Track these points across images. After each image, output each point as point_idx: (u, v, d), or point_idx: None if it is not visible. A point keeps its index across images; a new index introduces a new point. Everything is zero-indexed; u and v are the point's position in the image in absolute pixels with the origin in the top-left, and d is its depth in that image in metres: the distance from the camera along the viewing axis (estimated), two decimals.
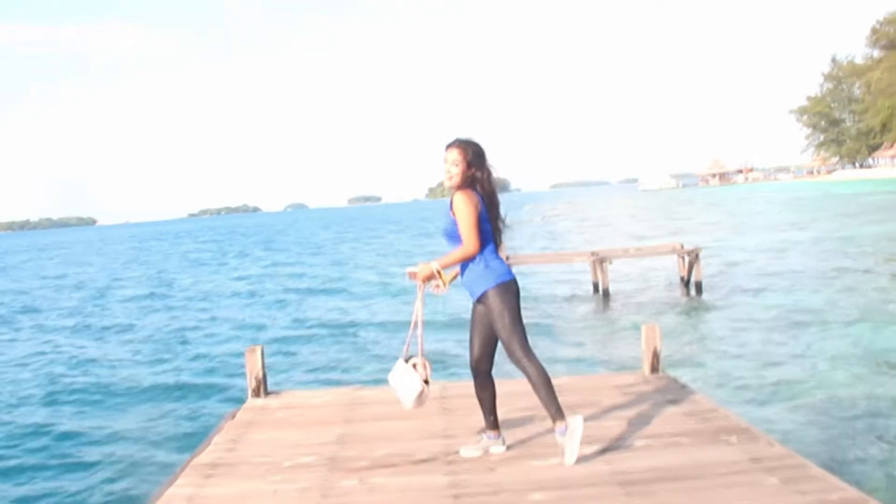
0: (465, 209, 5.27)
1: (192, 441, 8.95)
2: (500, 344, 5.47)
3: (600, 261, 22.09)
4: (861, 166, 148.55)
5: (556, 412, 5.29)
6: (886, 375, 11.98)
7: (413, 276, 5.39)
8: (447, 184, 5.43)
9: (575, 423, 5.26)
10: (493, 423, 5.68)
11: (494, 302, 5.32)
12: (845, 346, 14.14)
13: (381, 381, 12.33)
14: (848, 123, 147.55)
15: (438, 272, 5.34)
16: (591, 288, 23.20)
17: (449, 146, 5.43)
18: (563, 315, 19.72)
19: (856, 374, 12.19)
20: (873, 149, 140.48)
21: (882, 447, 8.89)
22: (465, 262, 5.38)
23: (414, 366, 5.56)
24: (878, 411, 10.26)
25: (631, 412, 6.56)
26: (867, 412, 10.22)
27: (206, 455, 5.93)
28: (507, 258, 19.44)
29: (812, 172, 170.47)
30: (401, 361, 5.62)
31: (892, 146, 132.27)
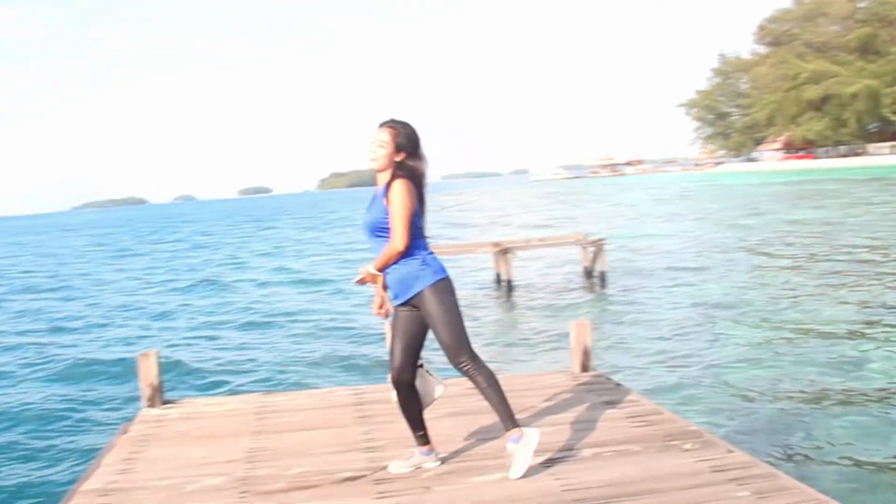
0: (401, 200, 4.78)
1: (79, 463, 8.04)
2: (441, 347, 4.94)
3: (503, 252, 21.73)
4: (746, 159, 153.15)
5: (510, 419, 4.89)
6: (799, 363, 11.89)
7: (363, 282, 5.02)
8: (371, 165, 4.94)
9: (531, 433, 4.86)
10: (423, 437, 5.16)
11: (433, 302, 4.85)
12: (754, 335, 14.10)
13: (291, 385, 11.69)
14: (734, 117, 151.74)
15: (375, 276, 4.92)
16: (494, 279, 22.83)
17: (381, 125, 4.93)
18: (465, 310, 19.27)
19: (768, 363, 12.08)
20: (758, 142, 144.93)
21: (813, 440, 8.68)
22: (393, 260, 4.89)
23: (427, 371, 5.19)
24: (795, 401, 10.10)
25: (569, 416, 6.11)
26: (786, 403, 10.06)
27: (97, 479, 5.17)
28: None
29: (699, 165, 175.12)
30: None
31: (775, 140, 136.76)
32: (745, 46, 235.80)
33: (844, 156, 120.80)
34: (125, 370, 13.08)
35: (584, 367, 7.45)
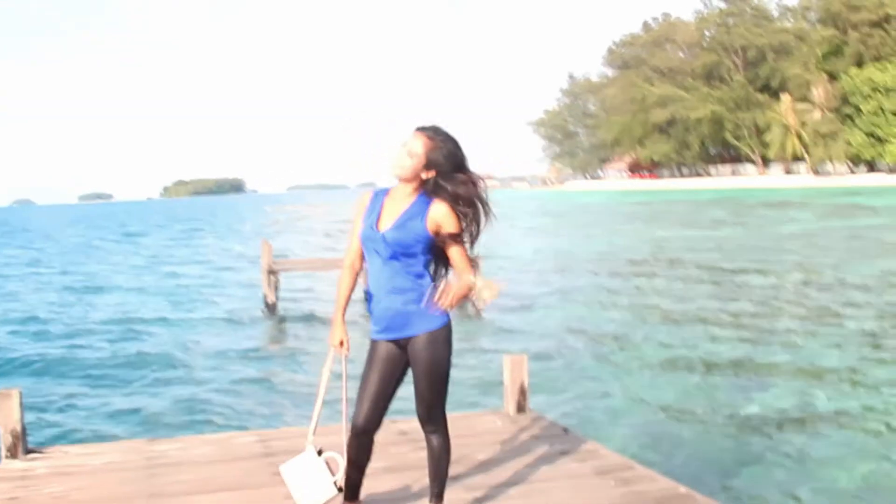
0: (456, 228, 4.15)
1: None
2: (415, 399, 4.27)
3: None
4: (592, 177, 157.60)
5: (441, 494, 4.40)
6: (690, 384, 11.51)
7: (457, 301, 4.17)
8: (392, 172, 4.16)
9: None
10: (356, 493, 4.40)
11: (431, 349, 4.16)
12: (630, 356, 13.79)
13: (181, 428, 10.24)
14: (582, 137, 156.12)
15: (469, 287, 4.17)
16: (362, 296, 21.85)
17: (417, 129, 4.15)
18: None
19: (660, 382, 11.72)
20: (603, 161, 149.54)
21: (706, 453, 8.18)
22: (400, 287, 4.13)
23: (327, 462, 4.25)
24: (691, 418, 9.66)
25: (516, 466, 5.35)
26: (676, 422, 9.63)
27: None
28: (273, 264, 17.35)
29: (546, 182, 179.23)
30: (310, 452, 4.26)
31: (621, 160, 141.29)
32: (595, 69, 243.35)
33: (687, 177, 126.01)
34: None
35: (521, 408, 6.65)
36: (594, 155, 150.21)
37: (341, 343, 4.24)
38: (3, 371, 14.56)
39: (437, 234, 4.08)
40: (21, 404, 5.73)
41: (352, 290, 4.26)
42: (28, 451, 5.76)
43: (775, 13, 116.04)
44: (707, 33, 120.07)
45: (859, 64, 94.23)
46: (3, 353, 16.17)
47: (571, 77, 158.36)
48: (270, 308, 20.03)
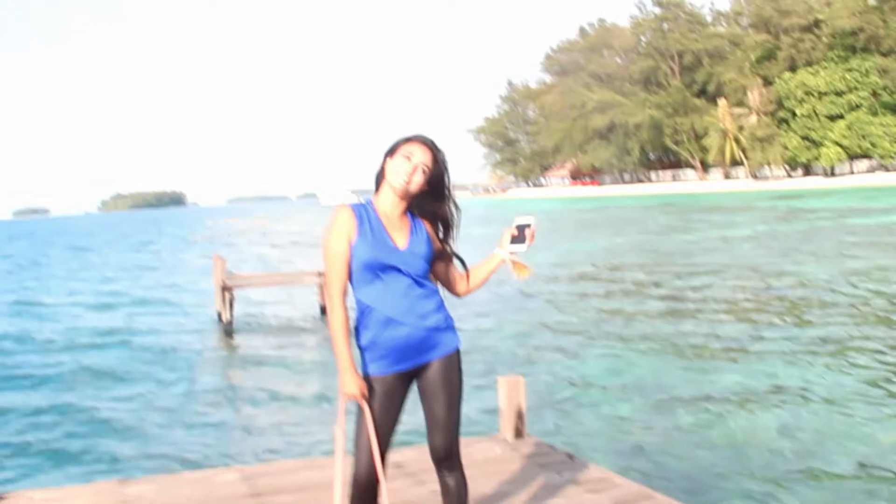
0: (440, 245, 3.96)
1: None
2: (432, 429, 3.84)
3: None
4: (534, 185, 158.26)
5: None
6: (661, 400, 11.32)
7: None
8: (400, 184, 3.75)
9: None
10: None
11: (455, 370, 3.84)
12: (611, 365, 13.50)
13: (150, 464, 9.69)
14: (523, 144, 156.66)
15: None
16: (318, 312, 21.47)
17: (422, 142, 3.81)
18: (292, 348, 17.81)
19: (641, 403, 11.44)
20: (545, 168, 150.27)
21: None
22: (429, 308, 3.79)
23: None
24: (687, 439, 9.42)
25: (526, 499, 5.09)
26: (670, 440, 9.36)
27: None
28: (226, 280, 16.75)
29: (489, 190, 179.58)
30: None
31: (562, 166, 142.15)
32: (533, 75, 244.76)
33: (629, 183, 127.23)
34: None
35: (519, 433, 6.37)
36: (535, 162, 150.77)
37: (361, 392, 3.66)
38: None
39: (437, 248, 3.87)
40: None
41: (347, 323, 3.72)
42: None
43: (709, 18, 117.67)
44: (643, 39, 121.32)
45: (792, 68, 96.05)
46: None
47: (510, 84, 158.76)
48: (225, 327, 19.47)
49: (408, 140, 3.79)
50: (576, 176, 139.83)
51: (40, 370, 16.17)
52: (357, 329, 3.74)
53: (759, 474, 8.28)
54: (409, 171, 3.70)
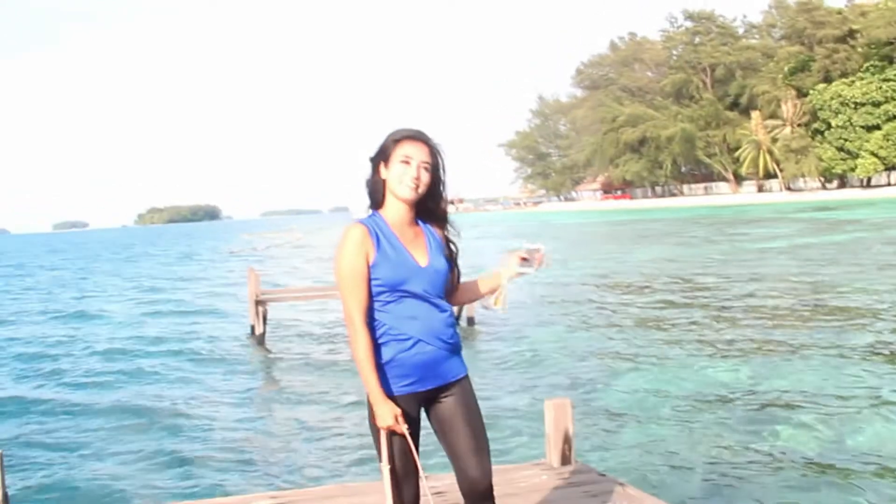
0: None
1: None
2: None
3: None
4: (565, 199, 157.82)
5: None
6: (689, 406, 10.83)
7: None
8: (408, 194, 3.54)
9: None
10: None
11: (470, 393, 3.67)
12: (652, 383, 12.99)
13: (189, 494, 9.27)
14: (554, 157, 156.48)
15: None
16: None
17: (413, 138, 3.56)
18: (326, 364, 17.55)
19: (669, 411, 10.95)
20: (576, 182, 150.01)
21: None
22: (446, 327, 3.58)
23: None
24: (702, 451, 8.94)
25: None
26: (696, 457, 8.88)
27: None
28: (260, 294, 16.49)
29: (519, 204, 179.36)
30: None
31: (594, 180, 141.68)
32: (564, 89, 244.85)
33: (661, 196, 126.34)
34: None
35: (565, 459, 5.99)
36: (566, 176, 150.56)
37: (396, 419, 3.41)
38: None
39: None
40: (2, 468, 5.01)
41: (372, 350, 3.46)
42: None
43: (741, 30, 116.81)
44: (674, 52, 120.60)
45: (827, 80, 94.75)
46: None
47: (541, 98, 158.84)
48: (258, 340, 19.23)
49: (397, 141, 3.53)
50: (607, 190, 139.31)
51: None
52: (377, 345, 3.48)
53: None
54: (414, 177, 3.49)
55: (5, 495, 5.03)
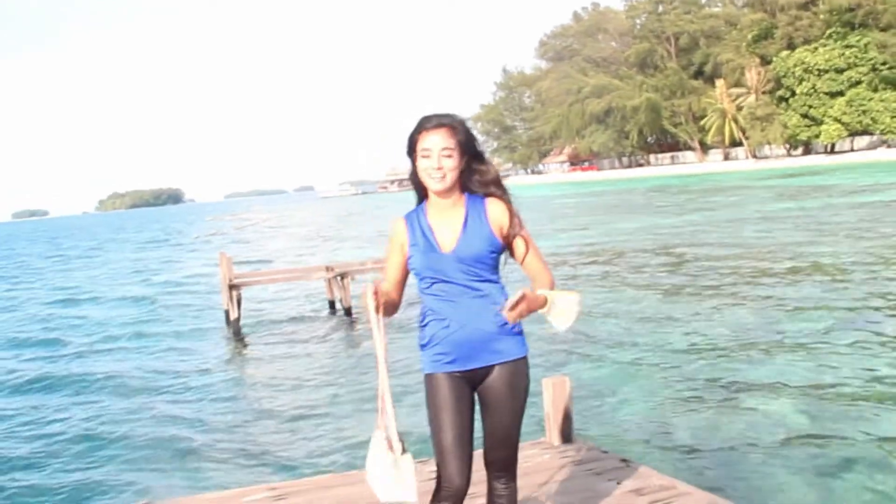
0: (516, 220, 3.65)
1: None
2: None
3: (340, 276, 19.97)
4: (532, 172, 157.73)
5: None
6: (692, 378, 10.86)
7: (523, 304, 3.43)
8: (437, 187, 3.57)
9: None
10: None
11: (521, 378, 3.65)
12: (627, 356, 12.99)
13: (178, 488, 9.10)
14: (520, 130, 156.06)
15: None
16: (326, 306, 21.11)
17: (430, 127, 3.56)
18: (308, 338, 17.43)
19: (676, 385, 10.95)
20: (543, 155, 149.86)
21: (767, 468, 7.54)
22: (482, 309, 3.59)
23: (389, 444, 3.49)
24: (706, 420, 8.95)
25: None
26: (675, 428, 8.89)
27: None
28: (233, 278, 16.24)
29: None
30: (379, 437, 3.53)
31: (560, 152, 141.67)
32: (528, 61, 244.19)
33: (628, 167, 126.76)
34: None
35: (566, 437, 5.95)
36: (533, 148, 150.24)
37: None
38: None
39: (504, 236, 3.60)
40: None
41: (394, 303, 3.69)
42: None
43: None
44: (638, 21, 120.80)
45: (790, 47, 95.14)
46: None
47: (505, 70, 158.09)
48: (233, 325, 19.04)
49: (417, 132, 3.58)
50: (574, 161, 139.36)
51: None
52: (420, 327, 3.66)
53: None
54: (436, 168, 3.52)
55: None
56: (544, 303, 3.52)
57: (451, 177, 3.54)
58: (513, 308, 3.37)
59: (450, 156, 3.52)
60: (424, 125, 3.56)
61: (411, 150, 3.60)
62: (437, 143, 3.51)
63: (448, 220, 3.60)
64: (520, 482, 5.10)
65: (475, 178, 3.63)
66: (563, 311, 3.53)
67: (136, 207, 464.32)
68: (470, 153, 3.60)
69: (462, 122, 3.58)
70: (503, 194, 3.64)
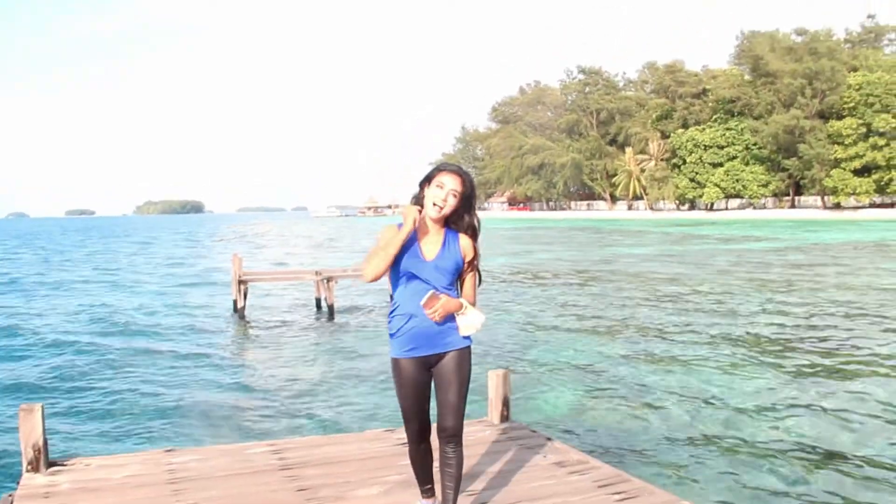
0: (475, 257, 3.82)
1: None
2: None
3: (326, 279, 19.82)
4: (479, 209, 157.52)
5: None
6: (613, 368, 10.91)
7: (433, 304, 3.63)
8: (433, 213, 3.70)
9: None
10: (430, 491, 4.06)
11: (467, 362, 3.81)
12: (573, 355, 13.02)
13: (195, 439, 8.96)
14: (472, 175, 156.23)
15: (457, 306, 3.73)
16: (314, 305, 20.90)
17: (451, 171, 3.73)
18: (296, 329, 17.22)
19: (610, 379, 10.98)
20: (489, 195, 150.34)
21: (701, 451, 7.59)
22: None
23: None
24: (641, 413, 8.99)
25: (521, 479, 4.68)
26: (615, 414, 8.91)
27: None
28: (242, 275, 15.94)
29: None
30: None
31: (502, 194, 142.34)
32: (482, 122, 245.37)
33: (553, 209, 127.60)
34: None
35: (504, 417, 5.95)
36: (481, 190, 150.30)
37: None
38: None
39: (465, 263, 3.75)
40: (43, 418, 4.76)
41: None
42: (51, 464, 4.78)
43: (621, 84, 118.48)
44: (569, 98, 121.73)
45: (685, 126, 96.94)
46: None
47: (463, 128, 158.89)
48: (239, 312, 18.84)
49: (439, 170, 3.71)
50: (512, 202, 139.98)
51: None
52: (389, 319, 3.74)
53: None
54: (441, 198, 3.63)
55: (45, 443, 4.76)
56: (460, 307, 3.68)
57: (446, 212, 3.68)
58: (427, 305, 3.56)
59: (455, 196, 3.67)
60: (447, 167, 3.71)
61: (426, 179, 3.71)
62: (451, 183, 3.66)
63: (433, 238, 3.72)
64: (468, 452, 5.14)
65: (461, 221, 3.76)
66: (471, 321, 3.72)
67: (165, 214, 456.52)
68: (466, 204, 3.74)
69: (472, 180, 3.75)
70: (474, 237, 3.78)
